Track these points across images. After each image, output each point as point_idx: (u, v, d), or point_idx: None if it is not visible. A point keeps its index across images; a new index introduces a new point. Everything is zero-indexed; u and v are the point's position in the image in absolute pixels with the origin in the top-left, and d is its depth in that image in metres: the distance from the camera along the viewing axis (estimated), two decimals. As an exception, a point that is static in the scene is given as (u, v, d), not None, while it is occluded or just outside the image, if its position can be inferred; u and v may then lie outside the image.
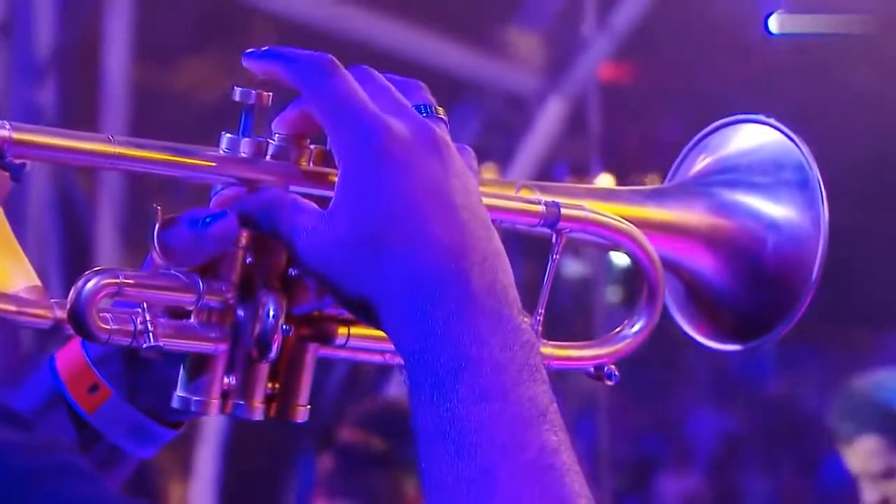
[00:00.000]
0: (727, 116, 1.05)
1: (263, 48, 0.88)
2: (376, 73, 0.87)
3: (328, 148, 0.87)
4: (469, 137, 5.16)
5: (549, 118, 5.60)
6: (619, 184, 5.27)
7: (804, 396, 7.20)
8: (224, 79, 5.09)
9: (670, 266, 1.01)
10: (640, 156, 6.14)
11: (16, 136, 0.83)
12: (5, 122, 0.84)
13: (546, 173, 5.37)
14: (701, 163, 1.06)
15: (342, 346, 0.91)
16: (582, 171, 5.63)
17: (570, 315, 5.57)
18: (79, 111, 5.07)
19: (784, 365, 8.00)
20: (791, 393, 7.53)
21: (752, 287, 1.03)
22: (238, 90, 0.87)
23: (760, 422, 7.48)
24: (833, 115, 5.65)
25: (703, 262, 1.04)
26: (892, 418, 3.59)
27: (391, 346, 0.84)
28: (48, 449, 0.79)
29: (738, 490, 7.26)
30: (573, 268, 5.37)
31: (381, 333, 0.85)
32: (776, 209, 1.02)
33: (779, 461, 7.09)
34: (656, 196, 1.05)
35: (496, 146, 5.48)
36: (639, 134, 6.21)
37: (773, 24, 6.82)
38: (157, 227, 0.88)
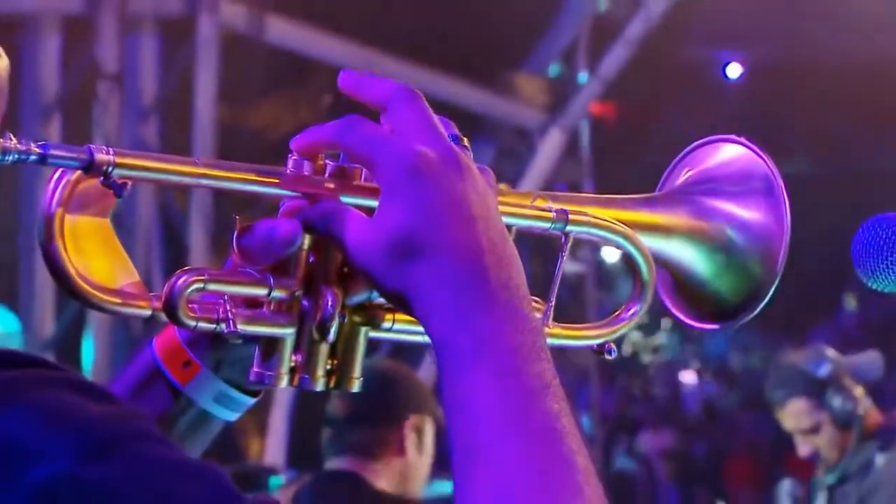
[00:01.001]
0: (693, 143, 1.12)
1: (358, 70, 0.96)
2: (425, 110, 0.92)
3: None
4: (484, 163, 6.57)
5: (550, 147, 6.60)
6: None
7: (758, 371, 7.72)
8: (291, 117, 5.97)
9: (659, 260, 1.08)
10: (623, 178, 6.72)
11: (118, 159, 0.89)
12: (109, 147, 0.90)
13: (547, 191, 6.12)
14: (684, 175, 1.12)
15: (388, 330, 0.98)
16: (576, 190, 6.18)
17: (567, 304, 6.38)
18: (176, 145, 5.69)
19: (739, 344, 8.82)
20: (748, 367, 8.33)
21: (727, 277, 1.09)
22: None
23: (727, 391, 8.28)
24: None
25: (686, 257, 1.11)
26: (815, 383, 3.92)
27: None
28: (130, 417, 0.82)
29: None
30: (570, 267, 6.18)
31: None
32: (746, 212, 1.08)
33: (741, 423, 7.80)
34: (648, 203, 1.11)
35: (507, 170, 6.24)
36: (622, 160, 7.00)
37: (730, 70, 7.72)
38: (235, 233, 0.95)
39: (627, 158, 6.81)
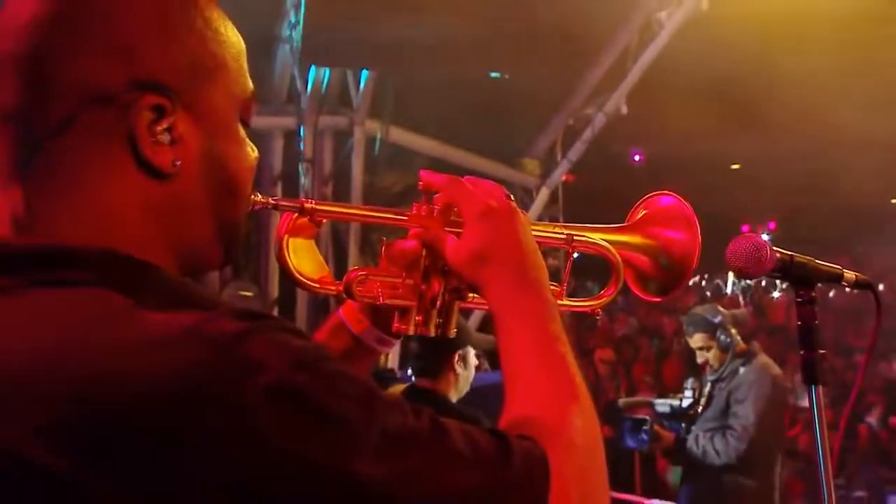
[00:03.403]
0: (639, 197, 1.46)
1: (432, 172, 1.26)
2: (485, 180, 1.25)
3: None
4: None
5: (541, 198, 9.00)
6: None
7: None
8: (402, 181, 8.06)
9: (625, 261, 1.42)
10: (580, 214, 8.43)
11: (317, 207, 1.26)
12: (312, 199, 1.27)
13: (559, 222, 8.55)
14: (640, 213, 1.46)
15: (468, 302, 1.32)
16: (555, 221, 8.72)
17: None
18: (340, 198, 7.43)
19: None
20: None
21: (665, 270, 1.43)
22: (420, 184, 1.26)
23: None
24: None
25: (640, 261, 1.44)
26: (711, 325, 5.53)
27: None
28: (322, 349, 0.95)
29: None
30: (552, 262, 7.05)
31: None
32: (676, 234, 1.42)
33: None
34: (620, 230, 1.44)
35: None
36: (579, 204, 9.31)
37: (636, 158, 10.54)
38: (384, 248, 1.30)
39: (582, 203, 9.72)
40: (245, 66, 1.08)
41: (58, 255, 0.95)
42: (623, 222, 1.46)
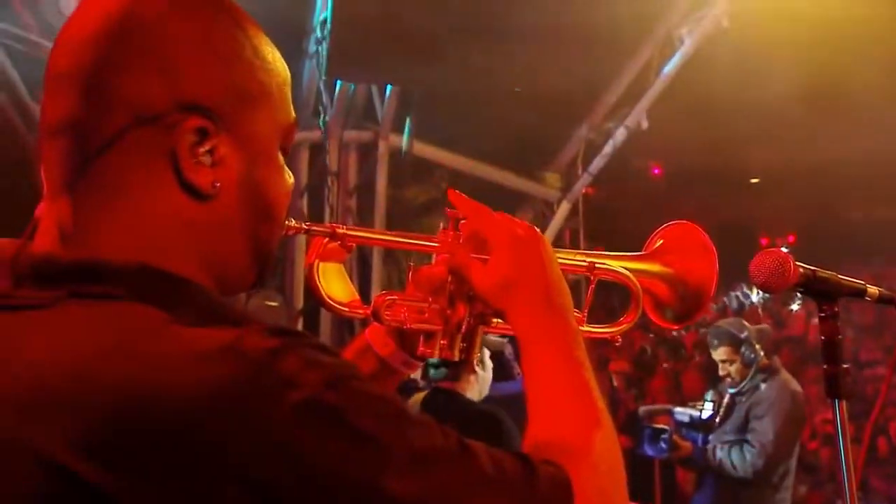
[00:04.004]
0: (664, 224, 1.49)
1: (460, 194, 1.28)
2: (513, 217, 1.26)
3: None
4: (526, 220, 8.27)
5: (562, 211, 9.05)
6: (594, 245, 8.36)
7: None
8: (425, 194, 8.19)
9: (644, 290, 1.43)
10: (598, 226, 9.55)
11: (348, 232, 1.29)
12: (343, 224, 1.29)
13: (560, 236, 9.05)
14: (658, 242, 1.48)
15: (493, 327, 1.33)
16: (574, 234, 8.86)
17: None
18: (365, 209, 7.80)
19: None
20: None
21: (682, 298, 1.44)
22: (447, 210, 1.27)
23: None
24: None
25: (658, 288, 1.45)
26: (736, 339, 5.53)
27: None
28: (352, 368, 0.96)
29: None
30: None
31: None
32: (693, 262, 1.43)
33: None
34: (638, 258, 1.46)
35: (541, 223, 8.43)
36: (598, 217, 9.77)
37: (655, 171, 10.84)
38: (411, 273, 1.30)
39: (602, 216, 10.21)
40: (289, 94, 1.11)
41: (99, 270, 0.97)
42: (643, 234, 1.49)
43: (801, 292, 1.63)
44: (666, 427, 5.72)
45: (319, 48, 7.20)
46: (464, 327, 1.30)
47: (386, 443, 0.91)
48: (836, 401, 1.59)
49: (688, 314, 1.45)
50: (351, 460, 0.88)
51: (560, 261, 1.28)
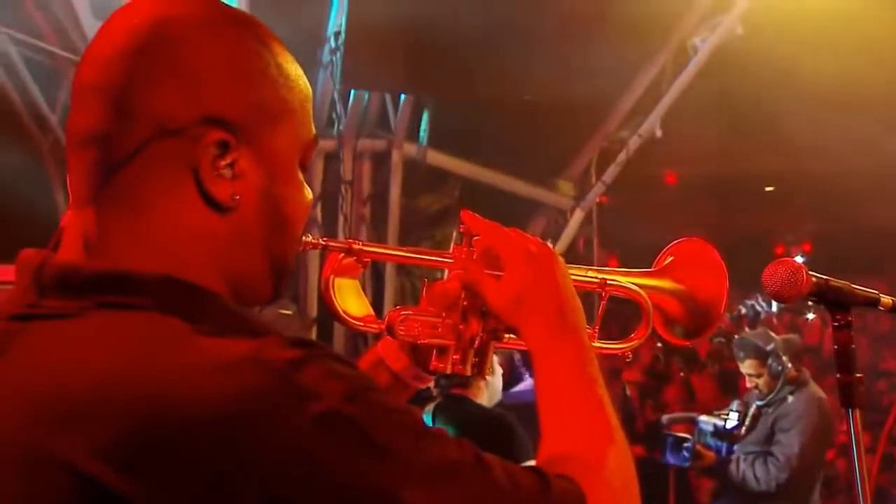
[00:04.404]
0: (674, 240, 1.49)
1: (473, 214, 1.29)
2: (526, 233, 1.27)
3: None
4: (539, 228, 8.63)
5: (576, 219, 9.09)
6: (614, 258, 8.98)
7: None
8: (438, 202, 8.20)
9: (655, 306, 1.45)
10: (612, 232, 9.76)
11: (364, 248, 1.32)
12: (359, 241, 1.31)
13: (574, 245, 9.15)
14: (667, 259, 1.49)
15: (505, 343, 1.34)
16: (588, 242, 9.08)
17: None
18: (378, 218, 7.96)
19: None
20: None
21: (692, 314, 1.46)
22: (461, 226, 1.29)
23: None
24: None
25: (669, 305, 1.46)
26: (762, 351, 5.41)
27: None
28: (369, 380, 0.98)
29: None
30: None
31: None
32: (703, 278, 1.45)
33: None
34: (649, 274, 1.47)
35: (554, 232, 8.55)
36: (612, 224, 9.87)
37: (669, 179, 10.73)
38: (425, 288, 1.31)
39: (616, 225, 10.20)
40: (310, 111, 1.13)
41: (122, 280, 0.99)
42: (657, 243, 1.50)
43: (814, 301, 1.62)
44: (688, 436, 5.68)
45: (334, 58, 7.29)
46: (476, 342, 1.31)
47: (405, 456, 0.92)
48: (850, 410, 1.59)
49: (697, 330, 1.47)
50: (370, 473, 0.90)
51: (574, 277, 1.30)
